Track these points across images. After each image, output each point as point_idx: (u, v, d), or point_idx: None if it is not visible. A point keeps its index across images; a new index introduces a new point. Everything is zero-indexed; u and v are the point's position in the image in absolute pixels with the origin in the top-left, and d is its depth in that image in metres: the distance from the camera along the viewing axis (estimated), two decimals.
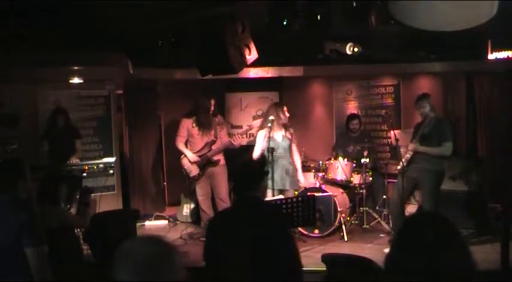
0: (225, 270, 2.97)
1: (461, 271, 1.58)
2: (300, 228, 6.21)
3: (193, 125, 6.51)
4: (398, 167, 5.99)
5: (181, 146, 6.57)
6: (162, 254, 1.69)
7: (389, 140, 7.84)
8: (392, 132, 6.47)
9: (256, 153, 6.08)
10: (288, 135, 6.22)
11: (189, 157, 6.48)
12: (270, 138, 5.97)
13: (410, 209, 6.89)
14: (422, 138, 5.72)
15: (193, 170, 6.52)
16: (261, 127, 6.20)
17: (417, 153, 5.75)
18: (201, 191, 6.63)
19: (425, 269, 1.56)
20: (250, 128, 7.20)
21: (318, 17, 4.63)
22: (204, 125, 6.48)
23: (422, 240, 1.61)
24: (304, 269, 4.54)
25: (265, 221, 3.12)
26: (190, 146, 6.59)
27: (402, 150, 6.00)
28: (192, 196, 7.39)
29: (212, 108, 6.53)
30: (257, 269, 2.94)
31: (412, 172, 5.82)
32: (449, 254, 1.58)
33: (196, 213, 7.31)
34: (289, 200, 5.07)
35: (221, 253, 3.00)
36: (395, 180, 6.33)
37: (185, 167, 6.56)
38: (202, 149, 6.53)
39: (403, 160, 5.90)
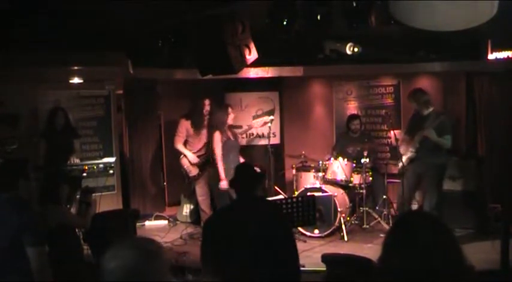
0: (224, 269, 2.97)
1: (455, 270, 1.58)
2: (300, 228, 6.22)
3: (192, 126, 6.58)
4: (400, 164, 6.02)
5: (180, 146, 6.61)
6: (142, 260, 1.69)
7: (389, 140, 7.84)
8: (392, 132, 6.48)
9: (219, 155, 6.25)
10: (235, 136, 6.51)
11: (190, 158, 6.53)
12: (228, 139, 6.29)
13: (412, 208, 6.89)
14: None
15: (193, 170, 6.56)
16: (217, 128, 6.31)
17: (421, 148, 5.85)
18: (200, 191, 6.67)
19: (419, 268, 1.56)
20: (250, 127, 7.24)
21: (318, 17, 4.63)
22: (199, 127, 6.54)
23: (414, 240, 1.61)
24: (304, 269, 4.56)
25: (267, 219, 3.13)
26: (189, 146, 6.63)
27: (402, 149, 6.05)
28: (191, 196, 7.40)
29: (208, 109, 6.59)
30: (257, 268, 2.94)
31: (416, 167, 5.95)
32: (442, 253, 1.58)
33: (196, 213, 7.31)
34: (289, 200, 5.08)
35: (220, 252, 3.00)
36: (396, 180, 6.35)
37: (184, 167, 6.59)
38: (201, 149, 6.57)
39: (405, 158, 5.94)
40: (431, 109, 5.96)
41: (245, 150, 7.15)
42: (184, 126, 6.61)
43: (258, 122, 7.31)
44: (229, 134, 6.44)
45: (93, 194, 4.98)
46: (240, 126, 7.58)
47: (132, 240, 1.88)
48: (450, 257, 1.58)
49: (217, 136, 6.28)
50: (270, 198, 5.36)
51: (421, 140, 5.85)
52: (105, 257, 1.71)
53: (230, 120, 6.40)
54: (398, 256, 1.60)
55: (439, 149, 5.83)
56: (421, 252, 1.57)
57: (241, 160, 6.49)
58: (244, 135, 6.91)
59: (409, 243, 1.61)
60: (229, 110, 6.43)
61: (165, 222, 7.51)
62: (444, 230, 1.65)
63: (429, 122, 5.82)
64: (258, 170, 6.33)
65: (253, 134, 8.06)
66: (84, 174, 6.14)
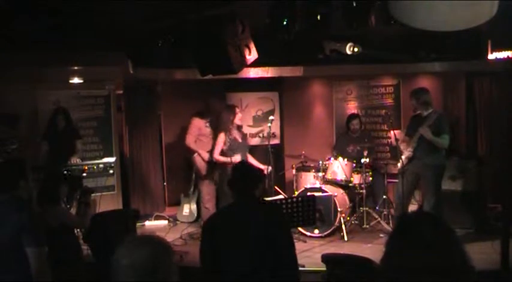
0: (223, 269, 2.97)
1: (457, 270, 1.58)
2: (300, 228, 6.22)
3: (207, 125, 6.56)
4: (399, 164, 6.02)
5: (193, 145, 6.67)
6: (158, 257, 1.69)
7: (389, 140, 7.84)
8: (392, 132, 6.47)
9: (216, 154, 6.25)
10: (242, 135, 6.52)
11: (204, 157, 6.54)
12: (234, 139, 6.27)
13: (411, 208, 6.88)
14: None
15: (204, 169, 6.57)
16: (223, 129, 6.27)
17: (419, 148, 5.82)
18: (206, 189, 6.66)
19: (421, 268, 1.56)
20: (263, 129, 7.17)
21: (318, 17, 4.63)
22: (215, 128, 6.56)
23: (416, 240, 1.61)
24: (304, 269, 4.56)
25: (267, 219, 3.13)
26: (200, 145, 6.63)
27: (402, 148, 6.05)
28: (192, 196, 7.42)
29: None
30: (257, 268, 2.94)
31: (414, 167, 5.92)
32: (444, 253, 1.58)
33: (196, 213, 7.33)
34: (289, 200, 5.08)
35: (220, 252, 3.00)
36: (396, 180, 6.35)
37: (197, 165, 6.62)
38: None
39: (404, 158, 5.94)
40: (430, 110, 5.94)
41: (254, 150, 7.13)
42: (197, 125, 6.64)
43: (269, 125, 7.22)
44: (236, 134, 6.39)
45: (93, 194, 4.98)
46: (240, 126, 7.58)
47: (143, 237, 1.87)
48: (452, 256, 1.58)
49: (221, 137, 6.24)
50: (270, 198, 5.37)
51: (418, 140, 5.84)
52: (117, 254, 1.69)
53: (237, 120, 6.35)
54: (401, 256, 1.60)
55: (436, 149, 5.80)
56: (423, 252, 1.57)
57: (251, 160, 6.46)
58: (257, 137, 6.83)
59: (411, 243, 1.61)
60: (237, 110, 6.39)
61: (165, 222, 7.51)
62: (446, 230, 1.65)
63: (427, 122, 5.82)
64: (261, 166, 6.39)
65: (253, 134, 8.06)
66: (84, 174, 6.14)
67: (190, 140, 6.67)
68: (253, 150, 7.80)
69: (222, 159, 6.24)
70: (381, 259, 1.67)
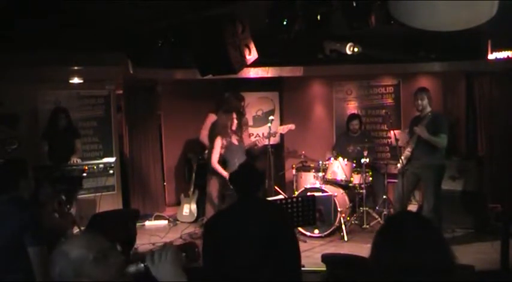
0: (225, 270, 2.98)
1: (443, 269, 1.58)
2: (300, 228, 6.21)
3: None
4: (399, 165, 6.01)
5: (206, 140, 6.76)
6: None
7: (389, 140, 7.84)
8: (392, 132, 6.47)
9: (215, 158, 6.13)
10: (240, 139, 6.39)
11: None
12: (231, 142, 6.13)
13: (411, 208, 6.89)
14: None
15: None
16: (219, 133, 6.22)
17: (417, 149, 5.80)
18: (215, 185, 6.61)
19: (407, 267, 1.56)
20: (275, 133, 7.14)
21: (318, 17, 4.63)
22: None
23: (402, 239, 1.62)
24: (304, 269, 4.56)
25: (268, 220, 3.14)
26: None
27: (402, 149, 6.04)
28: (192, 196, 7.42)
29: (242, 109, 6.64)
30: (258, 268, 2.94)
31: (413, 168, 5.90)
32: (431, 252, 1.59)
33: (196, 213, 7.33)
34: (289, 200, 5.08)
35: (222, 253, 3.01)
36: (396, 180, 6.34)
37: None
38: None
39: (403, 158, 5.93)
40: (428, 110, 5.92)
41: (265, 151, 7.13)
42: (212, 121, 6.66)
43: (281, 128, 7.18)
44: (233, 138, 6.33)
45: (93, 194, 4.97)
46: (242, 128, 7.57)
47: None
48: (439, 255, 1.59)
49: (218, 142, 6.15)
50: (270, 198, 5.36)
51: (416, 140, 5.82)
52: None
53: (234, 126, 6.28)
54: (388, 255, 1.61)
55: (435, 149, 5.75)
56: (410, 251, 1.58)
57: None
58: (266, 138, 6.78)
59: (397, 242, 1.62)
60: (234, 116, 6.33)
61: (165, 222, 7.51)
62: (432, 229, 1.67)
63: (423, 121, 5.80)
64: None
65: (253, 134, 8.06)
66: (84, 174, 6.13)
67: (204, 135, 6.71)
68: (254, 150, 7.82)
69: (219, 169, 6.12)
70: (370, 260, 1.69)
